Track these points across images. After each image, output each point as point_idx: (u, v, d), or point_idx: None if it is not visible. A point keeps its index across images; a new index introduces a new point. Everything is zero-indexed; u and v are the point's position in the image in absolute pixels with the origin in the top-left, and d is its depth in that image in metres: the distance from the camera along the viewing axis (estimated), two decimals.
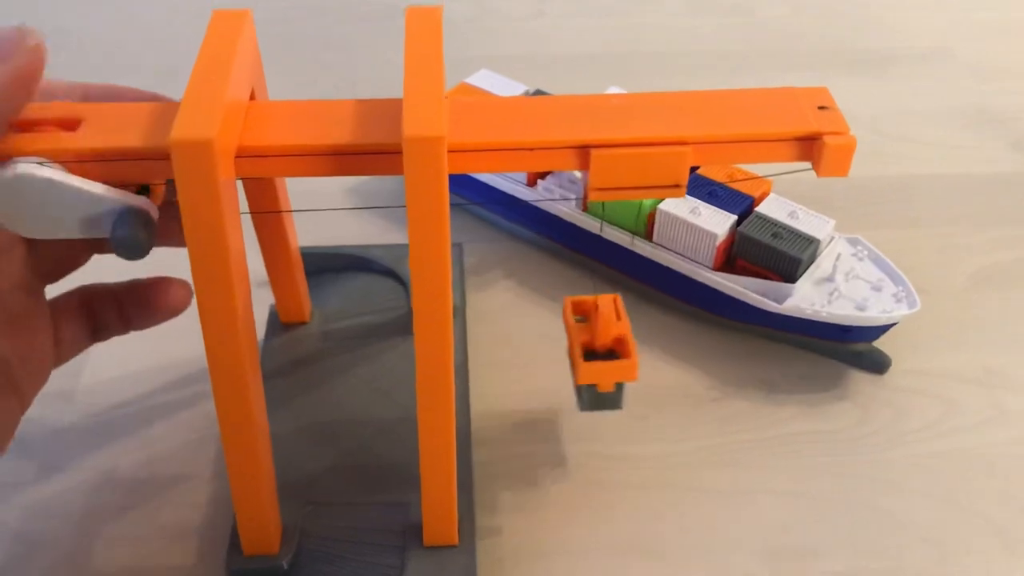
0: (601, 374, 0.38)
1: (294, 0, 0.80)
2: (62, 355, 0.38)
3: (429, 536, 0.38)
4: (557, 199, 0.53)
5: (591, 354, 0.38)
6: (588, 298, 0.39)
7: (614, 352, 0.38)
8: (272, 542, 0.37)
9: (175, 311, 0.39)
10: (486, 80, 0.58)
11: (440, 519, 0.37)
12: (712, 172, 0.52)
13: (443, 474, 0.36)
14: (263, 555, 0.37)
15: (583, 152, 0.31)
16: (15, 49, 0.30)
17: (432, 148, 0.28)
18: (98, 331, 0.39)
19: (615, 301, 0.39)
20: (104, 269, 0.39)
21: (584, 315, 0.39)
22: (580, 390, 0.39)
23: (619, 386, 0.38)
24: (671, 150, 0.31)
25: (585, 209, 0.53)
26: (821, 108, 0.33)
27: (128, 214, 0.30)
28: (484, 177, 0.55)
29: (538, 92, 0.57)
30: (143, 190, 0.33)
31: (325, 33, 0.77)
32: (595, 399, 0.39)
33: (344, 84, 0.70)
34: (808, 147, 0.32)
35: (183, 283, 0.39)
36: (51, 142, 0.30)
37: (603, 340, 0.38)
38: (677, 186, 0.32)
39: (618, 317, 0.38)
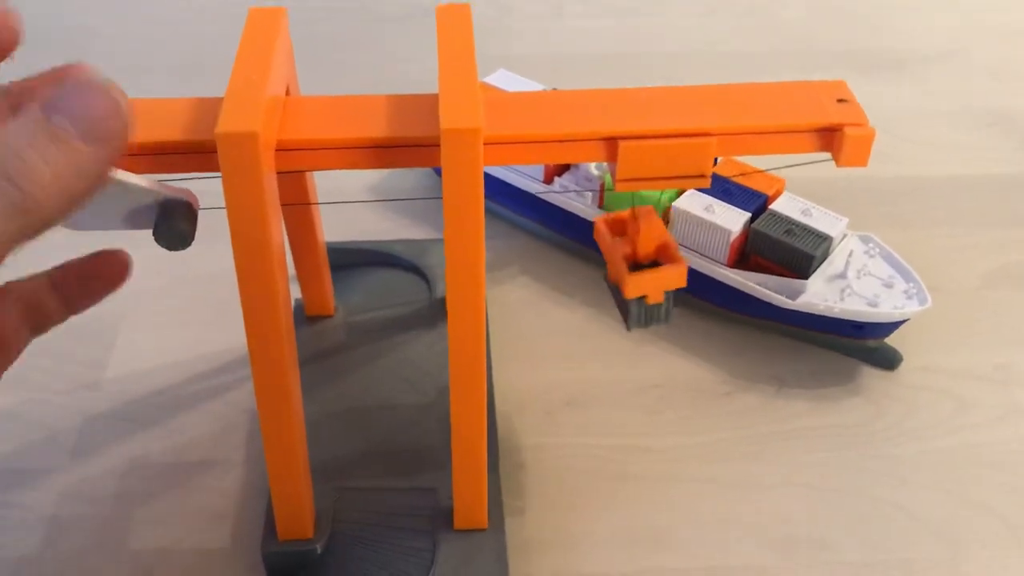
0: (651, 283, 0.37)
1: (313, 1, 0.81)
2: (8, 355, 0.35)
3: (460, 519, 0.39)
4: (570, 190, 0.54)
5: (635, 266, 0.37)
6: (622, 213, 0.38)
7: (658, 262, 0.37)
8: (306, 527, 0.38)
9: (117, 283, 0.36)
10: (504, 80, 0.59)
11: (470, 503, 0.38)
12: (725, 170, 0.53)
13: (474, 458, 0.37)
14: (298, 539, 0.38)
15: (611, 143, 0.32)
16: (116, 130, 0.27)
17: (469, 139, 0.29)
18: (41, 323, 0.36)
19: (650, 211, 0.37)
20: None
21: (620, 233, 0.38)
22: (628, 307, 0.37)
23: (668, 297, 0.37)
24: (696, 141, 0.32)
25: (601, 206, 0.54)
26: (840, 101, 0.34)
27: (171, 206, 0.31)
28: (501, 174, 0.56)
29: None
30: None
31: (344, 33, 0.78)
32: (646, 313, 0.38)
33: (365, 82, 0.71)
34: (828, 138, 0.33)
35: (120, 252, 0.36)
36: None
37: (646, 249, 0.37)
38: (702, 176, 0.33)
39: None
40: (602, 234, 0.38)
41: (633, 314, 0.38)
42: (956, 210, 0.61)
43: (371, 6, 0.81)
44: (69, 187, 0.27)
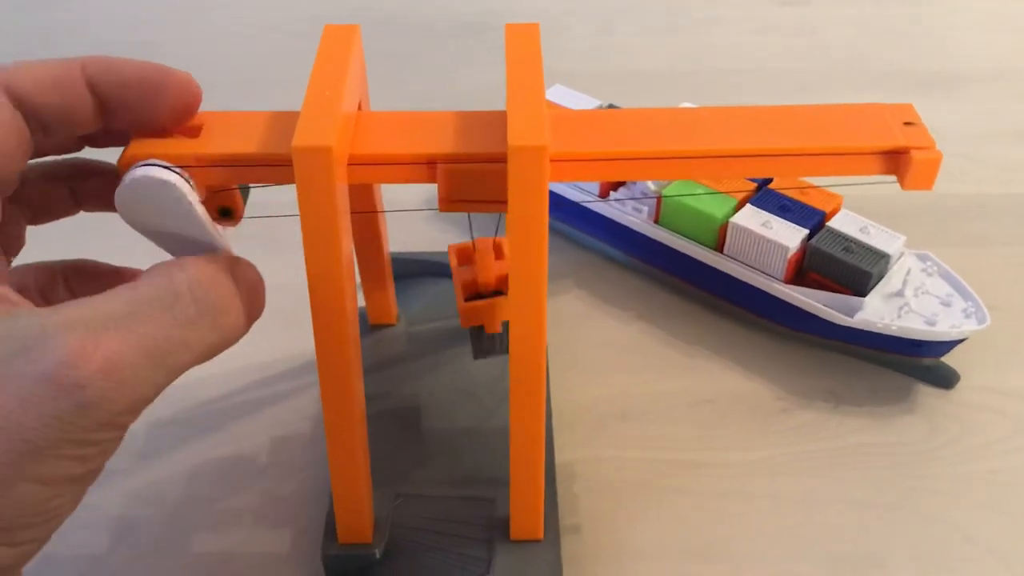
0: (484, 313, 0.37)
1: (373, 17, 0.83)
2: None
3: (516, 530, 0.39)
4: (626, 202, 0.54)
5: (475, 296, 0.38)
6: (468, 243, 0.39)
7: (500, 292, 0.38)
8: (366, 531, 0.39)
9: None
10: (560, 95, 0.60)
11: (527, 513, 0.39)
12: (782, 185, 0.53)
13: (532, 471, 0.37)
14: (358, 544, 0.39)
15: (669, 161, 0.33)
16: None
17: (536, 157, 0.30)
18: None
19: (495, 242, 0.38)
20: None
21: (467, 262, 0.39)
22: (470, 336, 0.38)
23: (507, 327, 0.37)
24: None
25: (657, 221, 0.54)
26: (907, 124, 0.34)
27: None
28: (557, 187, 0.56)
29: (611, 106, 0.59)
30: (224, 212, 0.34)
31: (403, 48, 0.79)
32: (484, 343, 0.38)
33: (424, 95, 0.73)
34: (894, 161, 0.33)
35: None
36: (176, 147, 0.32)
37: (485, 278, 0.38)
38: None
39: (498, 257, 0.38)
40: (452, 261, 0.39)
41: (474, 342, 0.39)
42: (1015, 229, 0.60)
43: (429, 24, 0.82)
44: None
